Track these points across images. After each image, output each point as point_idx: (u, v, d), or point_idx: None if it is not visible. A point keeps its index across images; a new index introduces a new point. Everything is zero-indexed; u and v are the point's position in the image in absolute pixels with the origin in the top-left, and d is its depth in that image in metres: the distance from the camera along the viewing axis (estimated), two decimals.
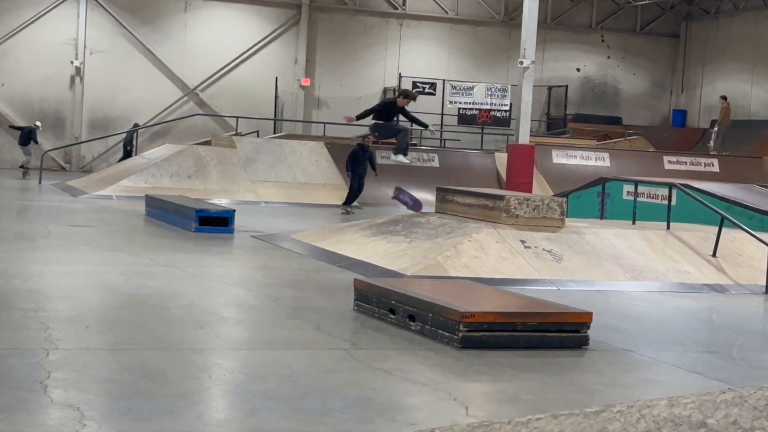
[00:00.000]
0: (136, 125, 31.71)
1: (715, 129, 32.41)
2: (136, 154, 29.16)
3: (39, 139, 29.70)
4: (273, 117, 34.26)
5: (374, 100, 36.69)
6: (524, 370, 7.14)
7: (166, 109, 34.01)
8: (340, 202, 22.34)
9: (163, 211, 17.33)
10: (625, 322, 9.56)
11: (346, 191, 22.40)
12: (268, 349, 7.38)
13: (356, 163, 21.28)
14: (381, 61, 36.70)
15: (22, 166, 28.69)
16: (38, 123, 30.09)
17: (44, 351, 6.82)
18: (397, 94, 16.74)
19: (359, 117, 16.31)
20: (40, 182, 25.47)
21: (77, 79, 33.06)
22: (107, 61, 33.33)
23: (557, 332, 7.98)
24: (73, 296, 9.23)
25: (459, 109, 34.42)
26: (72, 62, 32.88)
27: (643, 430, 2.73)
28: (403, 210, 17.41)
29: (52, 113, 32.87)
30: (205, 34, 34.32)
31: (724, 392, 2.77)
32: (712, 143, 32.07)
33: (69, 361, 6.56)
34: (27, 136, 28.70)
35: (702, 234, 13.57)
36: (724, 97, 33.13)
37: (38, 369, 6.28)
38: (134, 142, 30.82)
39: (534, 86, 23.62)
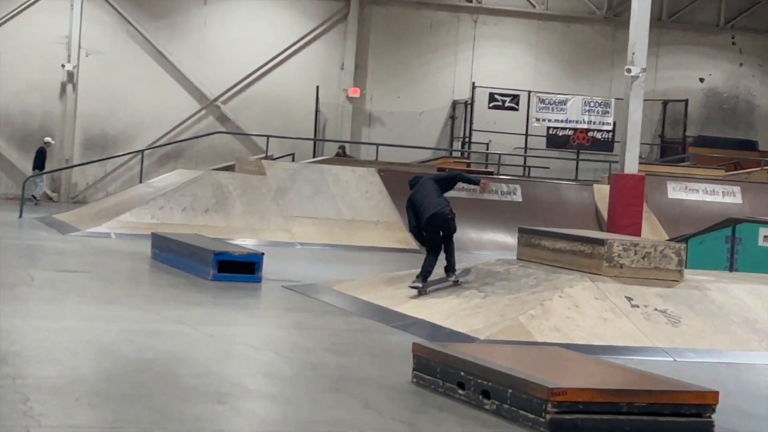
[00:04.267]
0: None
1: None
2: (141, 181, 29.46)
3: (24, 162, 31.27)
4: (313, 136, 34.46)
5: (440, 117, 36.85)
6: None
7: (179, 125, 34.35)
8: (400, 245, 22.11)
9: (173, 254, 17.42)
10: (761, 405, 9.43)
11: (404, 230, 22.36)
12: None
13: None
14: (450, 67, 36.79)
15: (34, 197, 30.66)
16: (47, 139, 31.90)
17: (23, 429, 6.88)
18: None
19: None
20: (20, 215, 25.80)
21: (69, 87, 33.53)
22: (107, 64, 33.78)
23: (673, 416, 7.90)
24: (60, 360, 9.30)
25: (548, 128, 34.32)
26: (63, 66, 33.35)
27: None
28: (476, 257, 17.30)
29: (36, 129, 33.31)
30: (230, 33, 34.67)
31: None
32: None
33: None
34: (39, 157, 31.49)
35: None
36: None
37: None
38: None
39: (645, 100, 23.51)
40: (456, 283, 13.54)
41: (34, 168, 31.37)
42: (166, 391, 8.39)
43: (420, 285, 13.49)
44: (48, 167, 32.20)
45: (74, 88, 33.65)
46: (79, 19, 33.62)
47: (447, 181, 14.28)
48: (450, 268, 13.72)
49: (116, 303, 13.03)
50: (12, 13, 33.24)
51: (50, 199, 32.59)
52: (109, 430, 7.06)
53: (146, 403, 7.90)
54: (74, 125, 33.60)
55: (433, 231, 13.74)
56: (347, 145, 34.66)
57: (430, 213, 13.59)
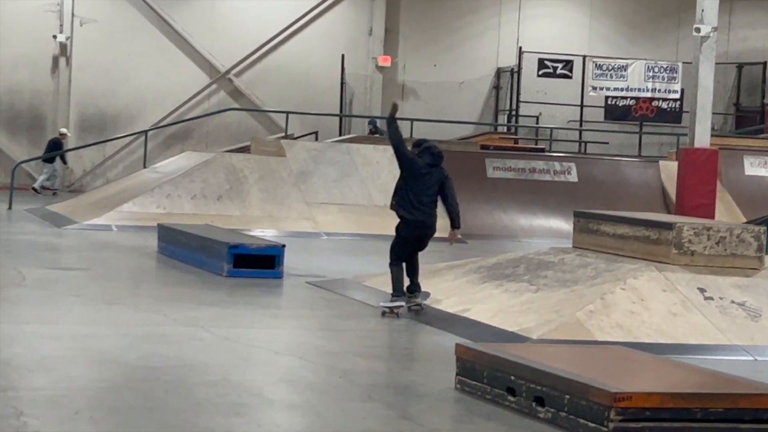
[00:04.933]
0: None
1: None
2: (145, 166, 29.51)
3: (14, 146, 31.39)
4: (338, 111, 34.47)
5: (483, 87, 36.78)
6: None
7: (187, 102, 34.42)
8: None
9: (182, 248, 17.47)
10: None
11: (445, 218, 22.26)
12: None
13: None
14: (493, 30, 36.72)
15: (35, 189, 30.90)
16: (63, 130, 32.05)
17: None
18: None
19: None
20: (10, 207, 25.94)
21: (62, 61, 33.65)
22: (104, 35, 33.86)
23: (754, 423, 7.88)
24: (56, 369, 9.35)
25: (607, 98, 34.22)
26: (55, 37, 33.47)
27: None
28: (527, 245, 17.24)
29: (25, 109, 33.47)
30: None
31: None
32: None
33: None
34: (51, 150, 31.30)
35: None
36: None
37: None
38: None
39: (717, 64, 23.41)
40: (419, 307, 13.21)
41: (43, 161, 31.34)
42: (177, 402, 8.42)
43: (403, 303, 13.15)
44: (37, 152, 32.24)
45: (67, 62, 33.76)
46: None
47: (444, 190, 13.71)
48: (415, 288, 13.32)
49: (118, 304, 13.08)
50: None
51: (43, 188, 32.71)
52: None
53: (154, 416, 7.93)
54: (68, 104, 33.70)
55: (414, 236, 13.46)
56: (378, 122, 34.63)
57: (423, 219, 13.37)
